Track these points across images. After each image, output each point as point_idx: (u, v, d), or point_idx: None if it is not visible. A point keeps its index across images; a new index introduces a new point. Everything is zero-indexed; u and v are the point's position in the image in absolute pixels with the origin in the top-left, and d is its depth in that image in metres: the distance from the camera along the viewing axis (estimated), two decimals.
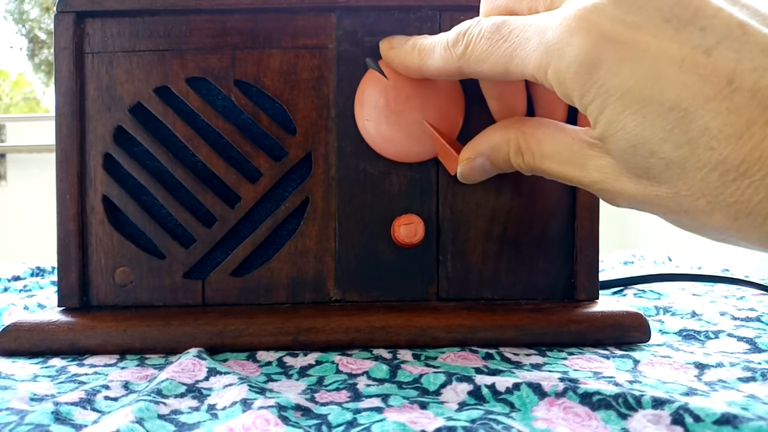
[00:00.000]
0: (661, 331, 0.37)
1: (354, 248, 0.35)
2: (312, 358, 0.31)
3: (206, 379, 0.28)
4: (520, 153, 0.27)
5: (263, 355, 0.32)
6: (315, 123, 0.35)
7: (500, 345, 0.33)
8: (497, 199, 0.35)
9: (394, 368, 0.29)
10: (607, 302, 0.35)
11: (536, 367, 0.30)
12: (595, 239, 0.35)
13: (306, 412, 0.24)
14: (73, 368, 0.30)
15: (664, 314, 0.43)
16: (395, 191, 0.35)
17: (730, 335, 0.36)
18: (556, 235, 0.35)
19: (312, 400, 0.25)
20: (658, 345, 0.34)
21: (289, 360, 0.31)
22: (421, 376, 0.27)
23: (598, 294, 0.35)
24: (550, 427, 0.22)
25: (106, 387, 0.26)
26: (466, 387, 0.26)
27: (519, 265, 0.35)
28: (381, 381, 0.28)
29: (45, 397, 0.26)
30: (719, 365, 0.29)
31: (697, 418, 0.21)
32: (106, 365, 0.31)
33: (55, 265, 0.36)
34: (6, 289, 0.54)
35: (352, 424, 0.22)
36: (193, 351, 0.31)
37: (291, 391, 0.26)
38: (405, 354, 0.32)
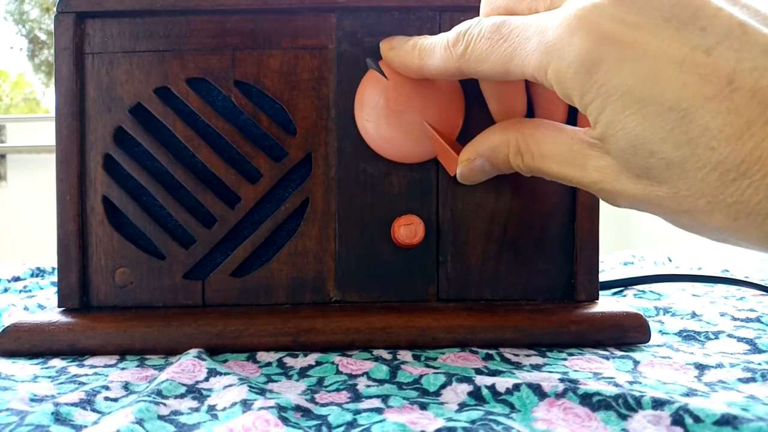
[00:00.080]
0: (661, 331, 0.37)
1: (354, 249, 0.35)
2: (312, 358, 0.31)
3: (206, 379, 0.28)
4: (520, 154, 0.27)
5: (263, 356, 0.32)
6: (315, 123, 0.35)
7: (500, 346, 0.33)
8: (497, 199, 0.35)
9: (394, 369, 0.29)
10: (607, 303, 0.35)
11: (536, 367, 0.30)
12: (595, 240, 0.35)
13: (306, 412, 0.24)
14: (73, 369, 0.30)
15: (664, 315, 0.43)
16: (395, 192, 0.35)
17: (730, 336, 0.36)
18: (556, 235, 0.35)
19: (312, 400, 0.25)
20: (658, 346, 0.34)
21: (289, 361, 0.31)
22: (421, 376, 0.27)
23: (598, 294, 0.35)
24: (550, 428, 0.22)
25: (106, 388, 0.26)
26: (466, 388, 0.26)
27: (519, 266, 0.35)
28: (381, 382, 0.28)
29: (45, 398, 0.26)
30: (719, 366, 0.29)
31: (697, 419, 0.21)
32: (106, 366, 0.31)
33: (55, 266, 0.36)
34: (6, 290, 0.54)
35: (352, 424, 0.22)
36: (193, 352, 0.31)
37: (291, 391, 0.26)
38: (405, 355, 0.32)
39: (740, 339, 0.35)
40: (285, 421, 0.22)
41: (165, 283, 0.35)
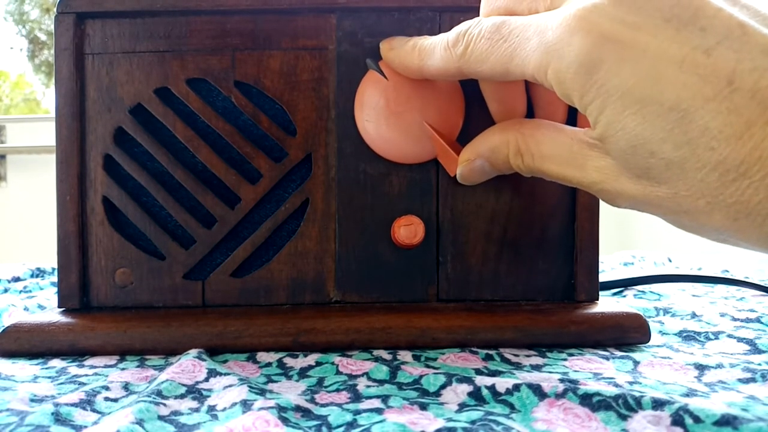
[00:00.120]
0: (661, 332, 0.37)
1: (354, 249, 0.35)
2: (312, 359, 0.31)
3: (206, 380, 0.28)
4: (520, 154, 0.27)
5: (263, 356, 0.32)
6: (315, 124, 0.35)
7: (500, 346, 0.33)
8: (497, 200, 0.35)
9: (394, 369, 0.29)
10: (607, 303, 0.35)
11: (536, 368, 0.30)
12: (595, 240, 0.35)
13: (306, 413, 0.24)
14: (73, 369, 0.30)
15: (664, 315, 0.43)
16: (395, 192, 0.35)
17: (730, 336, 0.36)
18: (556, 236, 0.35)
19: (312, 401, 0.25)
20: (658, 346, 0.34)
21: (289, 361, 0.31)
22: (421, 377, 0.27)
23: (598, 295, 0.35)
24: (550, 428, 0.22)
25: (106, 388, 0.26)
26: (466, 388, 0.26)
27: (519, 266, 0.35)
28: (381, 382, 0.28)
29: (45, 398, 0.26)
30: (719, 366, 0.29)
31: (697, 419, 0.21)
32: (106, 366, 0.31)
33: (55, 266, 0.36)
34: (6, 290, 0.54)
35: (352, 425, 0.22)
36: (193, 352, 0.31)
37: (291, 392, 0.26)
38: (405, 355, 0.32)
39: (740, 339, 0.35)
40: (285, 421, 0.22)
41: (165, 284, 0.35)
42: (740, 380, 0.27)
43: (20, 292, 0.54)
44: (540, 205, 0.35)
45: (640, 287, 0.53)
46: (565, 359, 0.31)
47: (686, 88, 0.20)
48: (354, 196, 0.35)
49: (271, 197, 0.35)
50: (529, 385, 0.25)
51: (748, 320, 0.40)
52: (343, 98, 0.34)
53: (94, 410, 0.24)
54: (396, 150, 0.34)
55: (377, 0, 0.34)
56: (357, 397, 0.26)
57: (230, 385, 0.26)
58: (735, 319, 0.40)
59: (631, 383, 0.27)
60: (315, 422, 0.23)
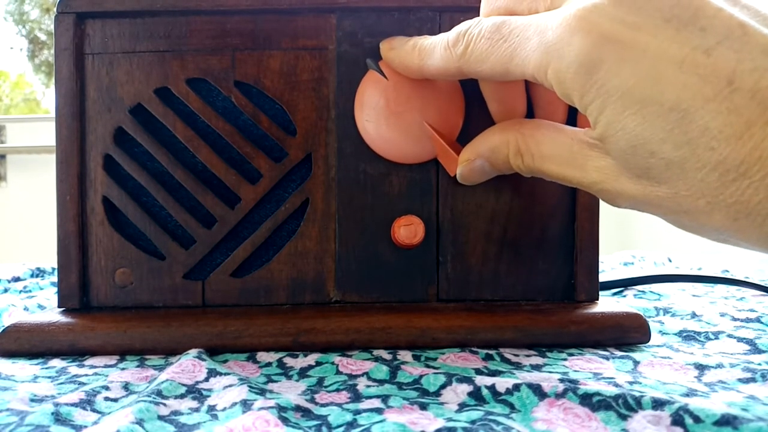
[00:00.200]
0: (661, 332, 0.37)
1: (354, 249, 0.35)
2: (312, 359, 0.31)
3: (206, 380, 0.28)
4: (520, 155, 0.27)
5: (263, 356, 0.32)
6: (315, 124, 0.35)
7: (500, 346, 0.33)
8: (497, 200, 0.35)
9: (394, 369, 0.29)
10: (607, 303, 0.35)
11: (536, 368, 0.30)
12: (595, 240, 0.35)
13: (306, 413, 0.24)
14: (73, 369, 0.30)
15: (664, 315, 0.43)
16: (395, 192, 0.35)
17: (730, 336, 0.36)
18: (556, 236, 0.35)
19: (312, 401, 0.25)
20: (658, 346, 0.34)
21: (289, 361, 0.31)
22: (421, 377, 0.27)
23: (598, 295, 0.35)
24: (550, 428, 0.22)
25: (106, 388, 0.26)
26: (466, 388, 0.26)
27: (519, 266, 0.35)
28: (381, 382, 0.28)
29: (45, 398, 0.26)
30: (719, 366, 0.29)
31: (697, 419, 0.21)
32: (106, 366, 0.31)
33: (55, 266, 0.36)
34: (6, 290, 0.54)
35: (352, 425, 0.22)
36: (193, 352, 0.31)
37: (291, 391, 0.26)
38: (405, 355, 0.32)
39: (740, 339, 0.35)
40: (285, 421, 0.22)
41: (165, 284, 0.35)
42: (740, 380, 0.27)
43: (20, 292, 0.54)
44: (540, 205, 0.35)
45: (640, 287, 0.53)
46: (565, 359, 0.31)
47: (686, 89, 0.20)
48: (354, 196, 0.35)
49: (271, 197, 0.35)
50: (529, 385, 0.25)
51: (748, 320, 0.40)
52: (343, 98, 0.34)
53: (94, 410, 0.24)
54: (396, 150, 0.34)
55: (377, 0, 0.34)
56: (357, 396, 0.26)
57: (230, 385, 0.26)
58: (735, 319, 0.40)
59: (631, 383, 0.27)
60: (315, 422, 0.23)
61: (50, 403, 0.24)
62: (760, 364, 0.30)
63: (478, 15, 0.28)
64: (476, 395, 0.25)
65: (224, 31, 0.34)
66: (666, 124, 0.21)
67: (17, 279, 0.58)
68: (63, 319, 0.33)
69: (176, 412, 0.24)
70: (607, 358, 0.31)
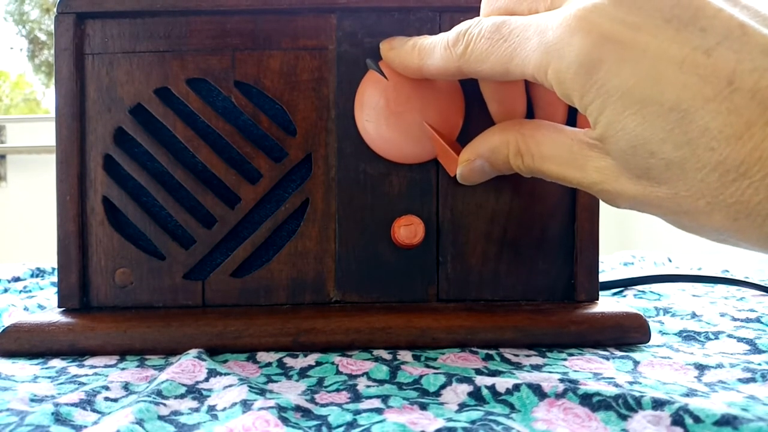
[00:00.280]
0: (661, 332, 0.37)
1: (354, 249, 0.35)
2: (312, 359, 0.31)
3: (206, 380, 0.28)
4: (520, 155, 0.27)
5: (263, 356, 0.32)
6: (315, 124, 0.35)
7: (500, 346, 0.33)
8: (497, 200, 0.35)
9: (394, 369, 0.29)
10: (607, 303, 0.35)
11: (536, 368, 0.30)
12: (595, 240, 0.35)
13: (306, 413, 0.24)
14: (73, 369, 0.30)
15: (664, 315, 0.43)
16: (395, 192, 0.35)
17: (730, 336, 0.36)
18: (556, 236, 0.35)
19: (312, 401, 0.25)
20: (658, 346, 0.34)
21: (289, 361, 0.31)
22: (421, 377, 0.27)
23: (598, 295, 0.35)
24: (550, 428, 0.22)
25: (106, 388, 0.26)
26: (466, 388, 0.26)
27: (519, 266, 0.35)
28: (381, 382, 0.28)
29: (45, 398, 0.26)
30: (719, 366, 0.29)
31: (697, 419, 0.21)
32: (106, 366, 0.31)
33: (55, 266, 0.36)
34: (6, 290, 0.54)
35: (352, 425, 0.22)
36: (193, 352, 0.31)
37: (291, 392, 0.26)
38: (405, 355, 0.32)
39: (740, 339, 0.35)
40: (285, 421, 0.22)
41: (165, 284, 0.35)
42: (740, 380, 0.27)
43: (20, 292, 0.54)
44: (540, 205, 0.35)
45: (640, 287, 0.53)
46: (565, 359, 0.31)
47: (686, 89, 0.20)
48: (354, 196, 0.35)
49: (271, 197, 0.35)
50: (529, 385, 0.25)
51: (748, 320, 0.40)
52: (343, 98, 0.34)
53: (94, 410, 0.24)
54: (396, 150, 0.34)
55: (377, 0, 0.34)
56: (357, 397, 0.26)
57: (230, 385, 0.26)
58: (735, 319, 0.40)
59: (631, 383, 0.27)
60: (315, 422, 0.23)
61: (50, 403, 0.24)
62: (760, 364, 0.30)
63: (478, 15, 0.28)
64: (476, 395, 0.25)
65: (224, 31, 0.34)
66: (666, 124, 0.21)
67: (17, 279, 0.58)
68: (63, 319, 0.33)
69: (176, 412, 0.24)
70: (607, 358, 0.31)
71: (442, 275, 0.35)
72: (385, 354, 0.32)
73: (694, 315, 0.42)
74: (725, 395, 0.25)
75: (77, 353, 0.33)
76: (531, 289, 0.35)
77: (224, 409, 0.24)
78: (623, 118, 0.22)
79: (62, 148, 0.34)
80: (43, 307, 0.44)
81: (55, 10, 0.35)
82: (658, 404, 0.22)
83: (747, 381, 0.27)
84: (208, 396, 0.26)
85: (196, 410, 0.24)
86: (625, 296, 0.50)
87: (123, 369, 0.30)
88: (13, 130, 2.69)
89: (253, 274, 0.35)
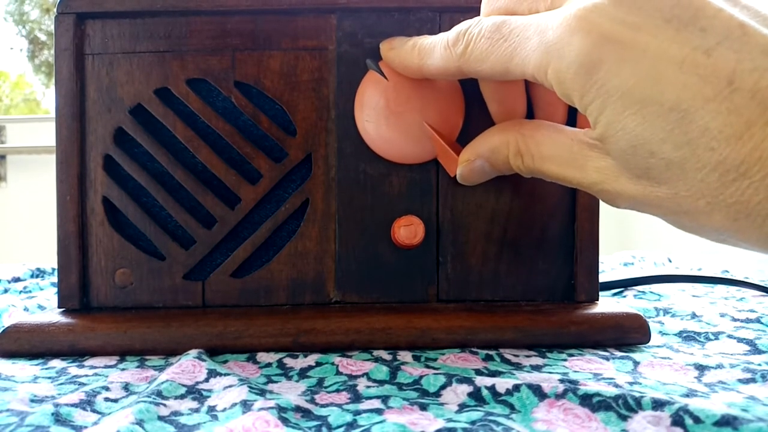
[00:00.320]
0: (661, 332, 0.37)
1: (354, 250, 0.35)
2: (312, 359, 0.31)
3: (206, 380, 0.28)
4: (520, 155, 0.27)
5: (263, 357, 0.32)
6: (315, 124, 0.35)
7: (500, 346, 0.33)
8: (497, 200, 0.35)
9: (394, 370, 0.29)
10: (607, 303, 0.35)
11: (536, 368, 0.30)
12: (595, 240, 0.35)
13: (306, 413, 0.24)
14: (73, 369, 0.30)
15: (664, 315, 0.43)
16: (395, 192, 0.35)
17: (730, 336, 0.36)
18: (556, 236, 0.35)
19: (312, 401, 0.25)
20: (658, 346, 0.34)
21: (289, 361, 0.31)
22: (421, 377, 0.27)
23: (598, 295, 0.35)
24: (550, 429, 0.22)
25: (106, 388, 0.26)
26: (466, 388, 0.26)
27: (519, 267, 0.35)
28: (381, 382, 0.28)
29: (45, 399, 0.26)
30: (719, 367, 0.29)
31: (697, 420, 0.21)
32: (106, 366, 0.31)
33: (55, 267, 0.36)
34: (6, 291, 0.54)
35: (352, 425, 0.22)
36: (193, 352, 0.31)
37: (291, 392, 0.26)
38: (405, 355, 0.32)
39: (740, 340, 0.35)
40: (285, 421, 0.22)
41: (165, 284, 0.35)
42: (740, 381, 0.27)
43: (20, 292, 0.54)
44: (540, 205, 0.35)
45: (640, 287, 0.53)
46: (565, 360, 0.31)
47: (686, 89, 0.20)
48: (354, 197, 0.35)
49: (271, 197, 0.35)
50: (529, 386, 0.25)
51: (748, 320, 0.40)
52: (343, 98, 0.34)
53: (94, 411, 0.24)
54: (396, 150, 0.34)
55: (377, 0, 0.34)
56: (357, 397, 0.26)
57: (230, 386, 0.26)
58: (735, 320, 0.40)
59: (631, 384, 0.27)
60: (315, 423, 0.23)
61: (50, 404, 0.24)
62: (760, 365, 0.30)
63: (478, 15, 0.28)
64: (476, 396, 0.25)
65: (224, 32, 0.34)
66: (666, 124, 0.21)
67: (17, 279, 0.58)
68: (63, 319, 0.33)
69: (176, 413, 0.24)
70: (607, 359, 0.31)
71: (442, 275, 0.35)
72: (385, 354, 0.32)
73: (694, 315, 0.42)
74: (725, 396, 0.25)
75: (77, 354, 0.33)
76: (531, 290, 0.35)
77: (224, 410, 0.24)
78: (623, 118, 0.22)
79: (62, 149, 0.34)
80: (43, 307, 0.44)
81: (55, 10, 0.35)
82: (658, 405, 0.22)
83: (747, 381, 0.27)
84: (208, 396, 0.26)
85: (196, 411, 0.24)
86: (625, 297, 0.50)
87: (123, 369, 0.30)
88: (13, 130, 2.69)
89: (253, 275, 0.35)
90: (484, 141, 0.29)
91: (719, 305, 0.46)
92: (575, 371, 0.29)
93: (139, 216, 0.35)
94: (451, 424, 0.21)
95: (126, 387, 0.27)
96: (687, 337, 0.36)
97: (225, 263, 0.35)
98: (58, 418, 0.23)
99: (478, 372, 0.29)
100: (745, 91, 0.19)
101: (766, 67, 0.19)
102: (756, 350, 0.33)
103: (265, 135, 0.35)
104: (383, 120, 0.33)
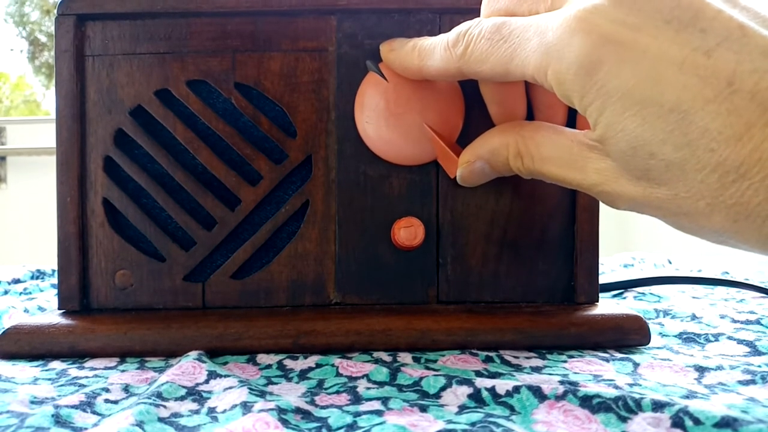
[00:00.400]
0: (661, 333, 0.37)
1: (354, 251, 0.35)
2: (312, 361, 0.31)
3: (206, 382, 0.28)
4: (520, 157, 0.27)
5: (263, 358, 0.32)
6: (315, 126, 0.35)
7: (500, 348, 0.33)
8: (497, 201, 0.35)
9: (394, 371, 0.29)
10: (607, 305, 0.35)
11: (536, 369, 0.30)
12: (595, 242, 0.35)
13: (306, 415, 0.24)
14: (74, 371, 0.30)
15: (664, 317, 0.43)
16: (395, 194, 0.35)
17: (730, 338, 0.36)
18: (556, 237, 0.35)
19: (312, 403, 0.25)
20: (658, 348, 0.34)
21: (289, 363, 0.31)
22: (421, 379, 0.27)
23: (598, 297, 0.35)
24: (550, 430, 0.22)
25: (107, 390, 0.26)
26: (466, 390, 0.26)
27: (519, 268, 0.35)
28: (381, 384, 0.28)
29: (45, 400, 0.26)
30: (719, 368, 0.29)
31: (697, 421, 0.21)
32: (106, 368, 0.31)
33: (56, 268, 0.36)
34: (6, 292, 0.54)
35: (352, 427, 0.22)
36: (193, 354, 0.31)
37: (291, 394, 0.26)
38: (405, 357, 0.32)
39: (740, 341, 0.35)
40: (285, 423, 0.22)
41: (165, 285, 0.35)
42: (740, 382, 0.27)
43: (20, 293, 0.54)
44: (540, 206, 0.35)
45: (640, 289, 0.53)
46: (565, 361, 0.31)
47: (686, 90, 0.20)
48: (354, 198, 0.35)
49: (271, 199, 0.35)
50: (529, 387, 0.25)
51: (748, 322, 0.40)
52: (343, 100, 0.34)
53: (94, 412, 0.24)
54: (396, 152, 0.34)
55: (377, 2, 0.34)
56: (357, 399, 0.26)
57: (230, 387, 0.26)
58: (735, 321, 0.40)
59: (631, 385, 0.27)
60: (315, 424, 0.23)
61: (50, 405, 0.24)
62: (760, 366, 0.30)
63: (478, 16, 0.28)
64: (476, 397, 0.25)
65: (224, 33, 0.35)
66: (666, 125, 0.21)
67: (17, 281, 0.58)
68: (63, 321, 0.33)
69: (176, 414, 0.24)
70: (607, 360, 0.31)
71: (442, 277, 0.35)
72: (385, 356, 0.32)
73: (694, 317, 0.42)
74: (725, 397, 0.25)
75: (77, 355, 0.33)
76: (531, 291, 0.35)
77: (224, 411, 0.24)
78: (623, 119, 0.22)
79: (62, 150, 0.34)
80: (44, 309, 0.44)
81: (55, 11, 0.35)
82: (658, 406, 0.22)
83: (747, 383, 0.27)
84: (208, 398, 0.26)
85: (196, 412, 0.24)
86: (625, 298, 0.50)
87: (123, 371, 0.30)
88: (14, 131, 2.70)
89: (253, 276, 0.35)
90: (484, 142, 0.29)
91: (719, 307, 0.46)
92: (575, 373, 0.29)
93: (139, 217, 0.35)
94: (451, 426, 0.21)
95: (126, 388, 0.27)
96: (687, 338, 0.36)
97: (225, 265, 0.35)
98: (58, 420, 0.23)
99: (478, 373, 0.29)
100: (744, 93, 0.19)
101: (765, 69, 0.19)
102: (756, 352, 0.33)
103: (266, 136, 0.35)
104: (383, 121, 0.33)
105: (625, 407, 0.23)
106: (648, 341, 0.34)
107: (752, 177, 0.19)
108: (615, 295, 0.51)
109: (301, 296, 0.35)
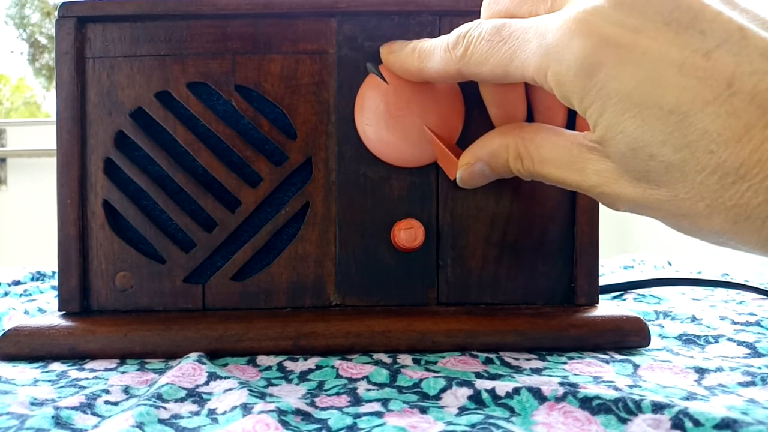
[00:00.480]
0: (660, 335, 0.37)
1: (354, 253, 0.35)
2: (312, 362, 0.31)
3: (206, 383, 0.28)
4: (520, 158, 0.27)
5: (263, 360, 0.32)
6: (315, 128, 0.35)
7: (500, 349, 0.33)
8: (497, 203, 0.35)
9: (394, 373, 0.29)
10: (606, 307, 0.35)
11: (536, 371, 0.30)
12: (595, 243, 0.35)
13: (306, 416, 0.24)
14: (74, 373, 0.30)
15: (663, 319, 0.43)
16: (395, 196, 0.35)
17: (729, 340, 0.36)
18: (556, 239, 0.35)
19: (312, 404, 0.25)
20: (657, 349, 0.34)
21: (289, 364, 0.31)
22: (421, 380, 0.27)
23: (598, 298, 0.35)
24: None
25: (107, 391, 0.26)
26: (466, 391, 0.26)
27: (519, 270, 0.35)
28: (381, 385, 0.28)
29: (45, 402, 0.26)
30: (719, 370, 0.29)
31: (697, 423, 0.21)
32: (106, 370, 0.31)
33: (56, 270, 0.36)
34: (6, 294, 0.54)
35: (352, 428, 0.22)
36: (194, 355, 0.31)
37: (291, 395, 0.26)
38: (405, 358, 0.32)
39: (740, 343, 0.35)
40: (285, 424, 0.22)
41: (165, 287, 0.35)
42: (740, 383, 0.27)
43: (20, 295, 0.54)
44: (540, 208, 0.35)
45: (639, 291, 0.53)
46: (565, 363, 0.31)
47: (686, 91, 0.20)
48: (354, 200, 0.35)
49: (271, 201, 0.35)
50: (529, 389, 0.25)
51: (748, 323, 0.40)
52: (343, 102, 0.34)
53: (94, 414, 0.24)
54: (396, 153, 0.34)
55: (377, 4, 0.34)
56: (357, 400, 0.26)
57: (230, 389, 0.26)
58: (735, 323, 0.40)
59: (631, 387, 0.27)
60: (315, 426, 0.23)
61: (50, 407, 0.24)
62: (759, 368, 0.30)
63: (478, 18, 0.28)
64: (476, 399, 0.25)
65: (225, 35, 0.35)
66: (666, 126, 0.21)
67: (17, 282, 0.58)
68: (63, 322, 0.33)
69: (176, 416, 0.24)
70: (607, 362, 0.31)
71: (442, 279, 0.35)
72: (385, 357, 0.32)
73: (694, 318, 0.42)
74: (725, 399, 0.25)
75: (77, 357, 0.33)
76: (531, 293, 0.35)
77: (224, 413, 0.24)
78: (623, 121, 0.22)
79: (63, 152, 0.35)
80: (44, 310, 0.44)
81: (56, 13, 0.35)
82: (657, 408, 0.22)
83: (747, 384, 0.27)
84: (209, 399, 0.26)
85: (197, 414, 0.24)
86: (625, 300, 0.50)
87: (123, 372, 0.30)
88: (14, 133, 2.70)
89: (253, 278, 0.35)
90: (484, 144, 0.29)
91: (719, 308, 0.46)
92: (575, 374, 0.29)
93: (139, 219, 0.35)
94: (451, 427, 0.21)
95: (126, 390, 0.27)
96: (687, 340, 0.36)
97: (225, 266, 0.35)
98: (59, 421, 0.23)
99: (478, 375, 0.29)
100: (744, 94, 0.19)
101: (765, 70, 0.19)
102: (756, 353, 0.33)
103: (266, 138, 0.35)
104: (383, 123, 0.33)
105: (625, 409, 0.23)
106: (648, 343, 0.34)
107: (752, 178, 0.19)
108: (615, 297, 0.51)
109: (301, 298, 0.35)
